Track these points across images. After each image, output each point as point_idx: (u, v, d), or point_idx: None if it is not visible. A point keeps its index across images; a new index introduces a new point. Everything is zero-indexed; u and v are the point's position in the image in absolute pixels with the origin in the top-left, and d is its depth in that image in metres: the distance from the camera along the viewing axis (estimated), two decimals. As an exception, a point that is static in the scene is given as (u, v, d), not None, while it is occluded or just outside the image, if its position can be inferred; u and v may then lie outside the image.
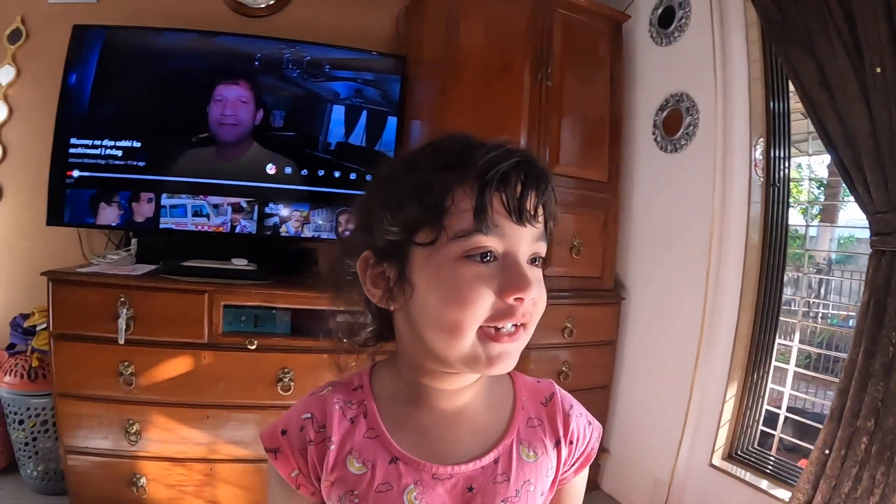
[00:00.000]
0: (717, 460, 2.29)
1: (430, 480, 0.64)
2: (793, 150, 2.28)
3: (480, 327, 0.59)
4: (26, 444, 2.17)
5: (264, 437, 0.70)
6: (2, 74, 2.45)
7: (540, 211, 0.62)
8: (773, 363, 2.29)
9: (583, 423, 0.75)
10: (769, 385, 2.30)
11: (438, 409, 0.68)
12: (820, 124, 1.82)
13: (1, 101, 2.44)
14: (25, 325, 2.28)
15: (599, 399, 2.62)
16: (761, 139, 2.19)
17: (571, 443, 0.73)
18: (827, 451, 1.80)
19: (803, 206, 2.44)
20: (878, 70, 1.62)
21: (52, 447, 2.16)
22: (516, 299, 0.58)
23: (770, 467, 2.19)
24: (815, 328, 2.79)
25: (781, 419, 2.27)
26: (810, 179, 2.66)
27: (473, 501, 0.65)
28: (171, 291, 2.00)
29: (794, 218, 2.36)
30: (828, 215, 3.22)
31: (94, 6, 2.46)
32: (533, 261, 0.63)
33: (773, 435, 2.28)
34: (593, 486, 2.67)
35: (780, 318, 2.28)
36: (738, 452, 2.32)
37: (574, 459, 0.75)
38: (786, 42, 1.86)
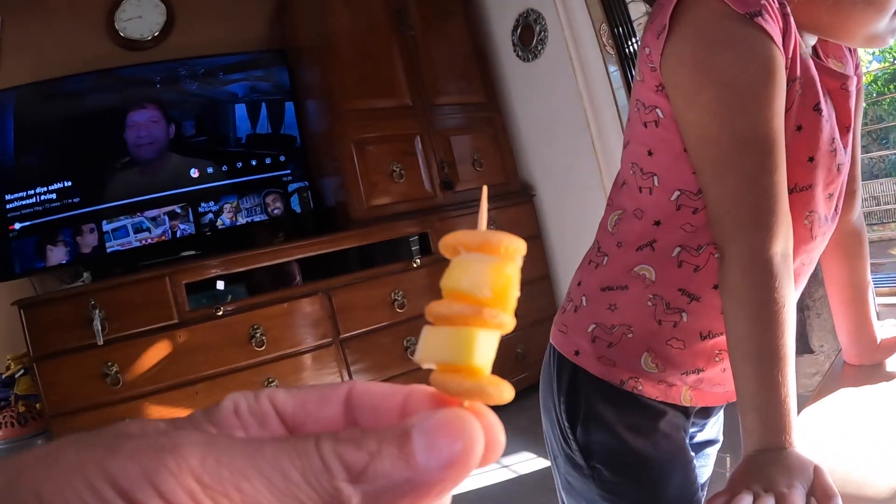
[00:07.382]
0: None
1: None
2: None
3: None
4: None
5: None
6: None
7: None
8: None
9: None
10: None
11: None
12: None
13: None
14: (4, 376, 2.37)
15: (544, 289, 2.91)
16: (604, 24, 2.59)
17: None
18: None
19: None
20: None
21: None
22: None
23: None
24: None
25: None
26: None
27: None
28: (134, 283, 2.18)
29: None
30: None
31: (-2, 72, 2.65)
32: None
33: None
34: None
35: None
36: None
37: None
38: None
